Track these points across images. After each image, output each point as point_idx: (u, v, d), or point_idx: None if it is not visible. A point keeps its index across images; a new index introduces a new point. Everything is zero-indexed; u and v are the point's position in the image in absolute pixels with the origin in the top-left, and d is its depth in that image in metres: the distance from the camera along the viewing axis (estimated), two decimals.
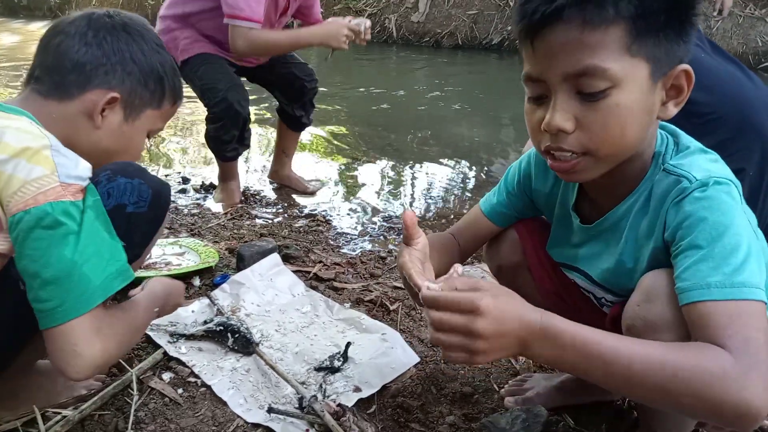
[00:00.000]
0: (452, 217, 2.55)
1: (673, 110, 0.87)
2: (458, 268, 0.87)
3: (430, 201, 2.76)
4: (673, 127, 0.96)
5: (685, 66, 0.84)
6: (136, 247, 1.07)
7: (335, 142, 3.61)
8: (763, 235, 0.87)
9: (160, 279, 1.18)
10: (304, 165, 3.19)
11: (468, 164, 3.29)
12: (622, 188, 0.95)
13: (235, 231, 2.25)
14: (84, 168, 0.89)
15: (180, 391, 1.30)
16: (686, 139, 0.94)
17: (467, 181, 3.09)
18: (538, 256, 1.17)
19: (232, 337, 1.41)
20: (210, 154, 2.53)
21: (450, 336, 0.75)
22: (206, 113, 2.37)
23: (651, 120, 0.87)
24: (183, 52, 2.36)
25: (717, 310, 0.76)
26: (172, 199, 2.45)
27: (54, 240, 0.84)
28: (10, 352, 1.03)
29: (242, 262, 1.83)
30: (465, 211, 2.59)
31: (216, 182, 2.74)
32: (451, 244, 1.21)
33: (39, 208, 0.83)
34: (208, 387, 1.31)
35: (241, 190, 2.71)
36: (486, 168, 3.27)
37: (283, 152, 2.83)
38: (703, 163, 0.88)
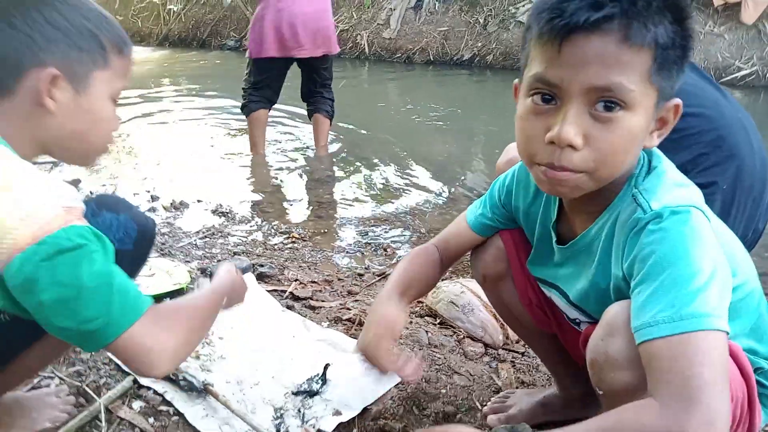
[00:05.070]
0: (427, 231, 2.54)
1: (656, 141, 0.88)
2: None
3: (404, 215, 2.74)
4: None
5: (678, 100, 0.85)
6: None
7: (309, 158, 3.58)
8: (730, 258, 0.85)
9: (226, 267, 1.18)
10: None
11: (442, 178, 3.29)
12: (594, 208, 0.93)
13: (207, 250, 2.19)
14: (74, 190, 0.85)
15: (151, 420, 1.24)
16: (657, 159, 0.92)
17: (442, 194, 3.08)
18: (522, 267, 1.16)
19: (181, 380, 1.32)
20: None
21: None
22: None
23: (641, 147, 0.87)
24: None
25: (661, 351, 0.74)
26: None
27: (80, 259, 0.78)
28: None
29: None
30: (440, 225, 2.58)
31: (186, 200, 2.69)
32: (433, 256, 1.22)
33: (53, 235, 0.77)
34: (181, 415, 1.25)
35: (214, 207, 2.66)
36: (460, 182, 3.27)
37: None
38: (665, 190, 0.85)
